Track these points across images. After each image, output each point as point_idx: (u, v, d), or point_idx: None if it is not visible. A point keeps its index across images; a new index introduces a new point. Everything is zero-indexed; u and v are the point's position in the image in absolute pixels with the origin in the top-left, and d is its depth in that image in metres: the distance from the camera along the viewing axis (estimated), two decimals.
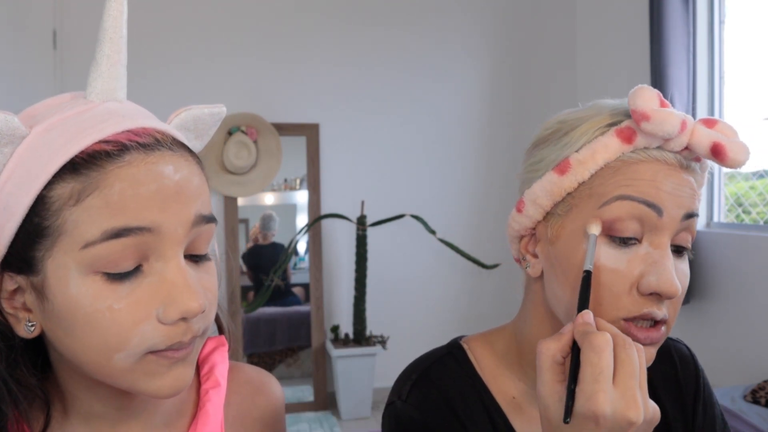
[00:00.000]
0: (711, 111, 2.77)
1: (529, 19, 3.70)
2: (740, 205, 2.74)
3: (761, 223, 2.62)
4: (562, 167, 0.62)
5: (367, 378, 3.23)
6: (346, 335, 3.36)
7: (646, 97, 0.59)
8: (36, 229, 0.47)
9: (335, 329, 3.41)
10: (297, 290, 3.61)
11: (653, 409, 0.51)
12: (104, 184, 0.46)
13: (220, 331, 0.65)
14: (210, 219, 0.51)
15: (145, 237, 0.47)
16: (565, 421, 0.50)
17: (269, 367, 3.50)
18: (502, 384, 0.70)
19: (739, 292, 2.51)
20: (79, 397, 0.54)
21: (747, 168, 2.67)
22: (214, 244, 0.62)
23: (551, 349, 0.54)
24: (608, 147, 0.60)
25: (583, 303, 0.57)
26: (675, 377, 0.75)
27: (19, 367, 0.50)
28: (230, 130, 3.28)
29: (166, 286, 0.48)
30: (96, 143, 0.47)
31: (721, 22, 2.77)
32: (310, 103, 3.45)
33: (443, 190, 3.62)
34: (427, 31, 3.58)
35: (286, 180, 3.57)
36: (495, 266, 3.25)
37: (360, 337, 3.29)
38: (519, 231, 0.69)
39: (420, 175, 3.59)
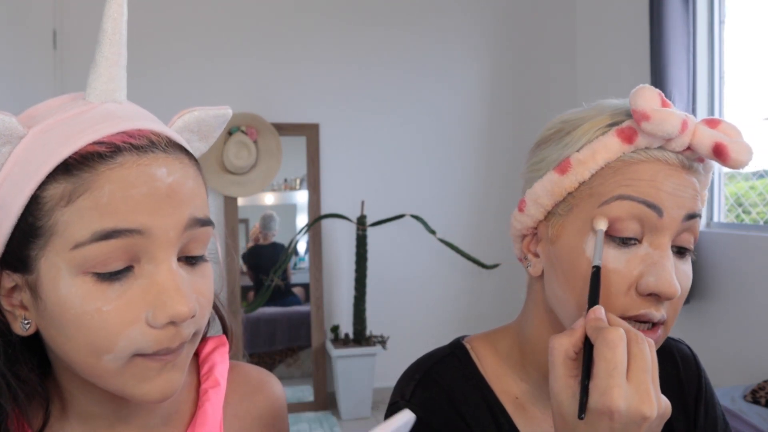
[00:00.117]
0: (711, 111, 2.77)
1: (529, 19, 3.70)
2: (740, 205, 2.74)
3: (761, 223, 2.61)
4: (562, 167, 0.62)
5: (367, 378, 3.23)
6: (346, 335, 3.36)
7: (647, 97, 0.59)
8: (30, 228, 0.47)
9: (335, 329, 3.41)
10: (297, 290, 3.61)
11: (665, 404, 0.51)
12: (95, 185, 0.46)
13: (224, 330, 0.65)
14: (205, 222, 0.51)
15: (135, 239, 0.46)
16: (580, 417, 0.50)
17: (269, 367, 3.49)
18: (505, 384, 0.70)
19: (739, 292, 2.51)
20: (77, 397, 0.54)
21: (747, 168, 2.66)
22: (216, 245, 0.62)
23: (563, 345, 0.54)
24: (609, 147, 0.60)
25: (594, 298, 0.56)
26: (677, 377, 0.75)
27: (18, 362, 0.50)
28: (230, 130, 3.28)
29: (156, 289, 0.47)
30: (90, 145, 0.47)
31: (721, 22, 2.77)
32: (310, 103, 3.45)
33: (443, 190, 3.62)
34: (427, 31, 3.58)
35: (286, 180, 3.57)
36: (495, 266, 3.25)
37: (360, 337, 3.29)
38: (521, 230, 0.69)
39: (420, 175, 3.59)
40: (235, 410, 0.63)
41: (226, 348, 0.64)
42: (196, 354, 0.64)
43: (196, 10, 3.32)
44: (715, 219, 2.77)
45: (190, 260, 0.51)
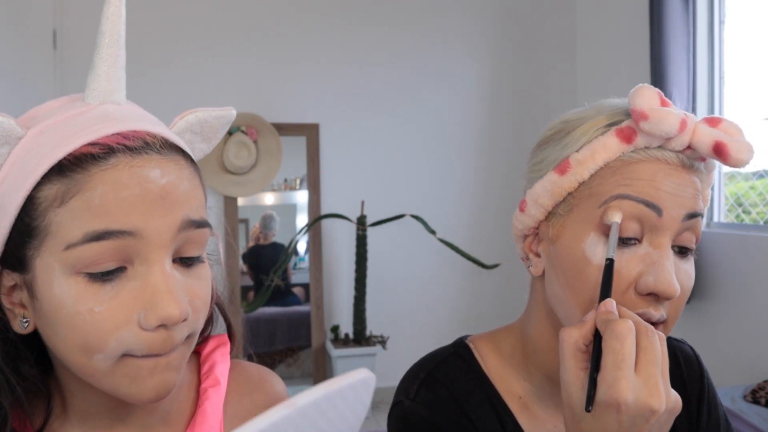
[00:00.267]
0: (711, 111, 2.77)
1: (529, 19, 3.70)
2: (740, 205, 2.74)
3: (761, 223, 2.61)
4: (562, 167, 0.62)
5: None
6: (346, 335, 3.36)
7: (646, 96, 0.59)
8: (26, 228, 0.48)
9: (335, 329, 3.41)
10: (297, 290, 3.61)
11: (675, 398, 0.50)
12: (88, 186, 0.46)
13: (229, 330, 0.65)
14: (201, 224, 0.51)
15: (127, 240, 0.46)
16: (587, 410, 0.49)
17: (269, 367, 3.49)
18: (508, 384, 0.70)
19: (739, 292, 2.51)
20: (76, 396, 0.54)
21: (747, 168, 2.66)
22: (218, 246, 0.62)
23: (573, 337, 0.53)
24: (608, 147, 0.60)
25: (606, 291, 0.56)
26: (680, 378, 0.75)
27: (18, 360, 0.50)
28: (230, 130, 3.28)
29: (149, 291, 0.47)
30: (84, 146, 0.47)
31: (721, 22, 2.77)
32: (310, 103, 3.45)
33: (443, 190, 3.61)
34: (427, 31, 3.58)
35: (286, 180, 3.57)
36: (495, 266, 3.25)
37: (360, 337, 3.29)
38: (523, 230, 0.69)
39: (420, 175, 3.58)
40: (235, 409, 0.63)
41: (227, 347, 0.64)
42: (197, 353, 0.64)
43: (196, 10, 3.32)
44: (715, 219, 2.77)
45: (185, 262, 0.51)
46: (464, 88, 3.64)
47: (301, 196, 3.56)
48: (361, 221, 3.28)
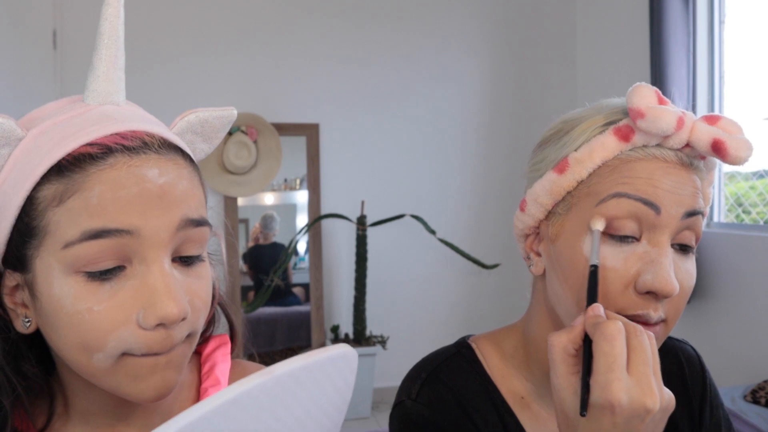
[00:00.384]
0: (711, 111, 2.77)
1: (529, 18, 3.70)
2: (740, 205, 2.74)
3: (761, 223, 2.62)
4: (561, 166, 0.62)
5: (367, 378, 3.22)
6: (346, 335, 3.36)
7: (643, 95, 0.59)
8: (26, 228, 0.48)
9: (335, 329, 3.41)
10: (297, 290, 3.61)
11: (668, 397, 0.50)
12: (85, 186, 0.46)
13: (231, 329, 0.65)
14: (200, 223, 0.51)
15: (125, 239, 0.47)
16: (582, 414, 0.49)
17: None
18: (510, 383, 0.70)
19: (739, 292, 2.51)
20: (78, 395, 0.55)
21: (747, 168, 2.67)
22: (221, 246, 0.62)
23: (562, 341, 0.53)
24: (606, 145, 0.60)
25: (592, 297, 0.56)
26: (682, 378, 0.75)
27: (20, 359, 0.50)
28: (230, 130, 3.28)
29: (147, 290, 0.47)
30: (82, 146, 0.47)
31: (721, 22, 2.77)
32: (310, 103, 3.45)
33: (443, 190, 3.61)
34: (427, 31, 3.58)
35: (286, 180, 3.57)
36: (495, 266, 3.25)
37: (360, 337, 3.29)
38: (523, 230, 0.69)
39: (420, 175, 3.58)
40: None
41: (228, 347, 0.64)
42: (198, 353, 0.64)
43: (196, 10, 3.32)
44: (715, 219, 2.77)
45: (185, 261, 0.51)
46: (464, 88, 3.64)
47: (301, 196, 3.56)
48: (361, 221, 3.28)
